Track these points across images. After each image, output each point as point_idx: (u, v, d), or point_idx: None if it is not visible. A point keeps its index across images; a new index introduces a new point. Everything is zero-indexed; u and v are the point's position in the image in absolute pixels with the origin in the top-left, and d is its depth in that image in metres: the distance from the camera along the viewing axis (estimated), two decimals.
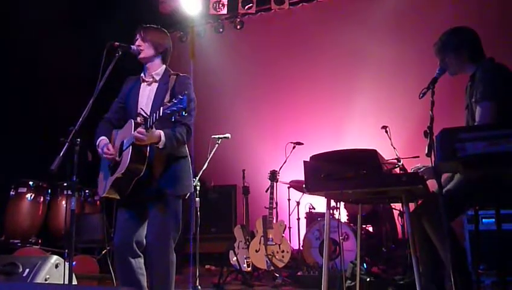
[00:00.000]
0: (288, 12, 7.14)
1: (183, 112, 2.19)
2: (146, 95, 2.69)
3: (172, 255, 2.60)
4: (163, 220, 2.57)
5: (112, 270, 4.34)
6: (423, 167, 2.56)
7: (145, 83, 2.74)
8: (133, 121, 2.52)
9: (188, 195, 2.74)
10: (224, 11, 7.25)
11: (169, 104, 2.25)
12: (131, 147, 2.44)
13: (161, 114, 2.27)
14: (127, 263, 2.58)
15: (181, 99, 2.19)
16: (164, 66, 2.77)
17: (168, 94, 2.55)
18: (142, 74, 2.77)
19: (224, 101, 7.06)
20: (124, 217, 2.65)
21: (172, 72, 2.74)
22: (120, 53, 2.62)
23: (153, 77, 2.72)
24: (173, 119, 2.25)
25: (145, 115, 2.45)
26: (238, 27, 7.50)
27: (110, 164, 2.62)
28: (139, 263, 2.62)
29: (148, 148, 2.49)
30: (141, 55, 2.69)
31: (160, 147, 2.48)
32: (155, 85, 2.70)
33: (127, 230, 2.61)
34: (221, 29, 7.63)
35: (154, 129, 2.41)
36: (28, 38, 5.61)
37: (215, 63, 7.18)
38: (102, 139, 2.65)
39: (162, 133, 2.46)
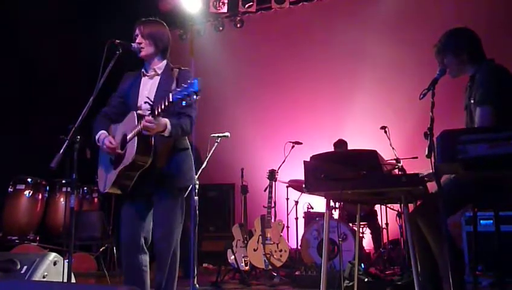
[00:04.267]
0: (289, 11, 7.14)
1: (195, 96, 2.14)
2: (148, 88, 2.67)
3: (177, 247, 2.61)
4: (170, 213, 2.56)
5: (104, 269, 4.36)
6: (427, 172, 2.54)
7: (147, 77, 2.72)
8: (135, 112, 2.51)
9: (190, 188, 2.73)
10: (225, 9, 7.24)
11: (179, 89, 2.20)
12: (136, 137, 2.42)
13: (172, 100, 2.23)
14: (136, 261, 2.57)
15: (192, 83, 2.15)
16: (165, 61, 2.76)
17: (174, 83, 2.51)
18: (142, 69, 2.76)
19: (224, 99, 7.06)
20: (129, 212, 2.63)
21: (173, 66, 2.72)
22: (121, 51, 2.60)
23: (155, 71, 2.71)
24: (184, 104, 2.21)
25: (151, 103, 2.40)
26: (238, 26, 7.49)
27: (112, 158, 2.60)
28: (144, 260, 2.61)
29: (153, 139, 2.48)
30: (142, 53, 2.68)
31: (166, 135, 2.45)
32: (157, 78, 2.69)
33: (134, 226, 2.59)
34: (221, 28, 7.62)
35: (160, 117, 2.38)
36: (28, 38, 5.60)
37: (214, 62, 7.17)
38: (102, 133, 2.62)
39: (167, 121, 2.44)
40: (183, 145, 2.68)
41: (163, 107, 2.29)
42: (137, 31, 2.69)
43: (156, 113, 2.33)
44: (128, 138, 2.49)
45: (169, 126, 2.44)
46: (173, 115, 2.48)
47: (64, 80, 5.91)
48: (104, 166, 2.67)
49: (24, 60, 5.66)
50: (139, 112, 2.53)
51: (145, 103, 2.46)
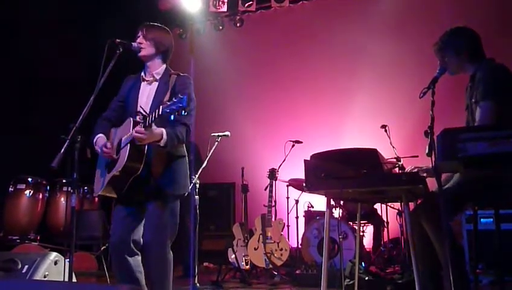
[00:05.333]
0: (288, 10, 7.13)
1: (183, 111, 2.19)
2: (146, 94, 2.68)
3: (169, 254, 2.60)
4: (161, 220, 2.56)
5: (105, 268, 4.36)
6: (425, 167, 2.55)
7: (146, 82, 2.72)
8: (132, 119, 2.51)
9: (185, 194, 2.73)
10: (224, 8, 7.24)
11: (169, 103, 2.24)
12: (129, 145, 2.43)
13: (160, 112, 2.26)
14: (125, 262, 2.56)
15: (181, 98, 2.19)
16: (165, 65, 2.75)
17: (168, 93, 2.53)
18: (142, 73, 2.76)
19: (224, 98, 7.06)
20: (121, 214, 2.64)
21: (172, 71, 2.72)
22: (121, 50, 2.60)
23: (153, 76, 2.71)
24: (172, 118, 2.24)
25: (144, 113, 2.43)
26: (238, 25, 7.49)
27: (108, 162, 2.61)
28: (136, 261, 2.60)
29: (146, 146, 2.48)
30: (141, 53, 2.68)
31: (161, 145, 2.45)
32: (155, 84, 2.69)
33: (125, 228, 2.59)
34: (221, 27, 7.61)
35: (154, 127, 2.39)
36: (28, 38, 5.60)
37: (214, 61, 7.17)
38: (100, 137, 2.64)
39: (164, 131, 2.44)
40: (179, 152, 2.68)
41: (153, 119, 2.32)
42: (139, 33, 2.70)
43: (147, 124, 2.34)
44: (122, 143, 2.51)
45: (165, 136, 2.44)
46: (168, 123, 2.47)
47: (64, 80, 5.91)
48: (100, 169, 2.69)
49: (24, 60, 5.66)
50: (137, 117, 2.54)
51: (139, 112, 2.47)
